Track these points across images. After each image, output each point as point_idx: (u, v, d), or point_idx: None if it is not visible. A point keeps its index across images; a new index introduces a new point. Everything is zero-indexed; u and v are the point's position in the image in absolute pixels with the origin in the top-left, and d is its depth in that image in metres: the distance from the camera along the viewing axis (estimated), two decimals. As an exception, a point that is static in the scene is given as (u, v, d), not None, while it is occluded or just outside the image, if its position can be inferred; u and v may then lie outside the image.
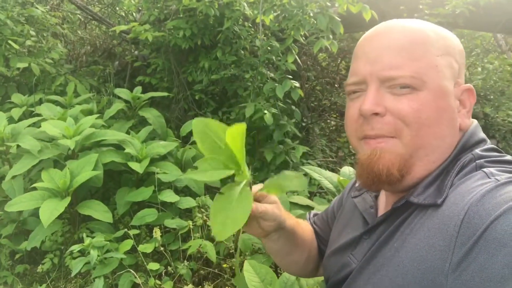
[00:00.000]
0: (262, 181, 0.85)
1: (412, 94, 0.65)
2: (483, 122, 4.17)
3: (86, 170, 2.23)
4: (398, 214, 0.69)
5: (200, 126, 0.69)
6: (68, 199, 2.10)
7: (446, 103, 0.67)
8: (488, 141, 0.73)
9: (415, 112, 0.65)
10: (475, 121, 0.75)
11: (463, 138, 0.70)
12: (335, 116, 4.98)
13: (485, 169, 0.62)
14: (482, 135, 0.72)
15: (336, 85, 5.01)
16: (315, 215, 1.12)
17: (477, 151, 0.67)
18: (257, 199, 0.79)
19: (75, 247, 1.99)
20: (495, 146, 0.70)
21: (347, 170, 2.10)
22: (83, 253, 2.08)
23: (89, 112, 2.98)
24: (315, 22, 2.89)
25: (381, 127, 0.67)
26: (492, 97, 4.29)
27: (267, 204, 0.78)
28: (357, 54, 0.74)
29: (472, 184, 0.59)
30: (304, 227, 1.00)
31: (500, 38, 4.81)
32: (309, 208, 2.14)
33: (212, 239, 2.43)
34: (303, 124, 4.23)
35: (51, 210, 2.01)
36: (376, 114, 0.67)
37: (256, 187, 0.80)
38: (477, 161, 0.65)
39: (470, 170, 0.64)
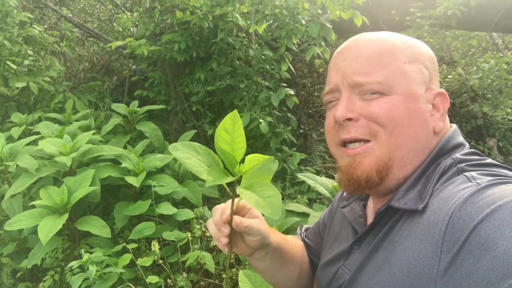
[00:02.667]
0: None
1: (382, 98, 0.68)
2: (482, 121, 4.17)
3: (83, 186, 2.24)
4: (385, 221, 0.70)
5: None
6: (66, 216, 2.11)
7: (417, 106, 0.69)
8: (467, 145, 0.74)
9: (386, 113, 0.67)
10: (454, 126, 0.76)
11: (440, 142, 0.71)
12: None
13: (466, 173, 0.62)
14: (460, 139, 0.73)
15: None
16: (306, 229, 1.11)
17: (458, 155, 0.68)
18: (240, 214, 0.80)
19: (74, 263, 1.99)
20: (476, 150, 0.71)
21: (341, 176, 2.10)
22: (83, 268, 2.09)
23: (87, 128, 3.01)
24: (307, 30, 2.92)
25: (355, 131, 0.70)
26: (490, 96, 4.29)
27: (251, 219, 0.78)
28: (330, 67, 0.78)
29: (455, 189, 0.60)
30: (293, 243, 0.98)
31: (496, 37, 4.80)
32: (305, 215, 2.14)
33: (210, 250, 2.44)
34: (301, 130, 4.24)
35: (49, 228, 2.02)
36: (350, 119, 0.70)
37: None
38: (458, 166, 0.65)
39: (452, 175, 0.65)
